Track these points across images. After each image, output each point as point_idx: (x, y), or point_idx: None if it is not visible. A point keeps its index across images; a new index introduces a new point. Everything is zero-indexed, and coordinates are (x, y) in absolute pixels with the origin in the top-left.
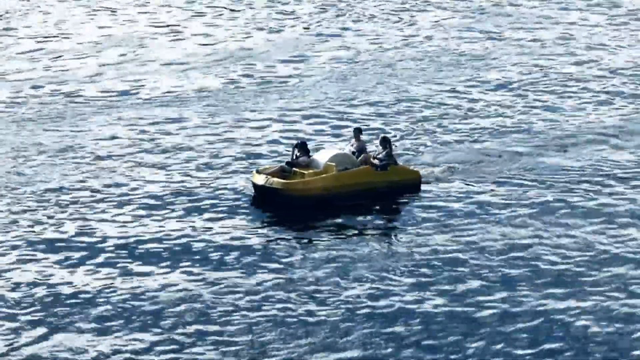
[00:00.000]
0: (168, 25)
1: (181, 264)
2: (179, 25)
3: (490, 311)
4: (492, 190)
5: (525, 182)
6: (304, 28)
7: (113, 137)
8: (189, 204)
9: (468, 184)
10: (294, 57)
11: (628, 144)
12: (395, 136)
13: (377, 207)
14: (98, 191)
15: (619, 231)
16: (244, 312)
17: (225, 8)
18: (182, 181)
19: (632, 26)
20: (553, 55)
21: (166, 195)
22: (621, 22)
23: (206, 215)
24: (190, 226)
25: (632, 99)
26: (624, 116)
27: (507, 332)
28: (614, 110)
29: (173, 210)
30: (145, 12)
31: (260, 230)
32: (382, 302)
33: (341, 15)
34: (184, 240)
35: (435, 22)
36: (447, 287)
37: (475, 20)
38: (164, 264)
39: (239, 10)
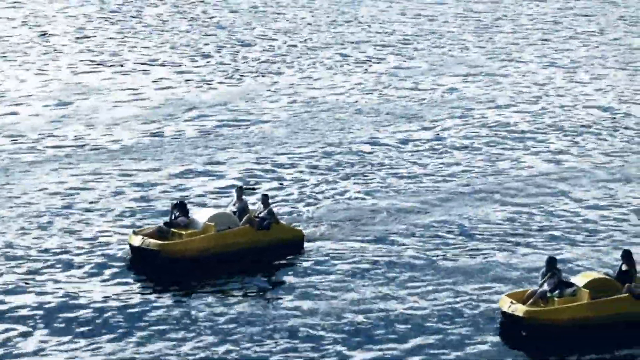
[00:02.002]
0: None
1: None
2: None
3: None
4: (374, 248)
5: (408, 239)
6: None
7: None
8: (63, 265)
9: (351, 242)
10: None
11: (525, 201)
12: (278, 194)
13: (258, 267)
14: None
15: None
16: None
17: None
18: (60, 238)
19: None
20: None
21: (41, 255)
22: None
23: (82, 278)
24: (65, 289)
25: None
26: (524, 174)
27: None
28: (520, 166)
29: (48, 273)
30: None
31: (135, 294)
32: None
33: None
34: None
35: (363, 75)
36: (328, 346)
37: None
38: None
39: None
